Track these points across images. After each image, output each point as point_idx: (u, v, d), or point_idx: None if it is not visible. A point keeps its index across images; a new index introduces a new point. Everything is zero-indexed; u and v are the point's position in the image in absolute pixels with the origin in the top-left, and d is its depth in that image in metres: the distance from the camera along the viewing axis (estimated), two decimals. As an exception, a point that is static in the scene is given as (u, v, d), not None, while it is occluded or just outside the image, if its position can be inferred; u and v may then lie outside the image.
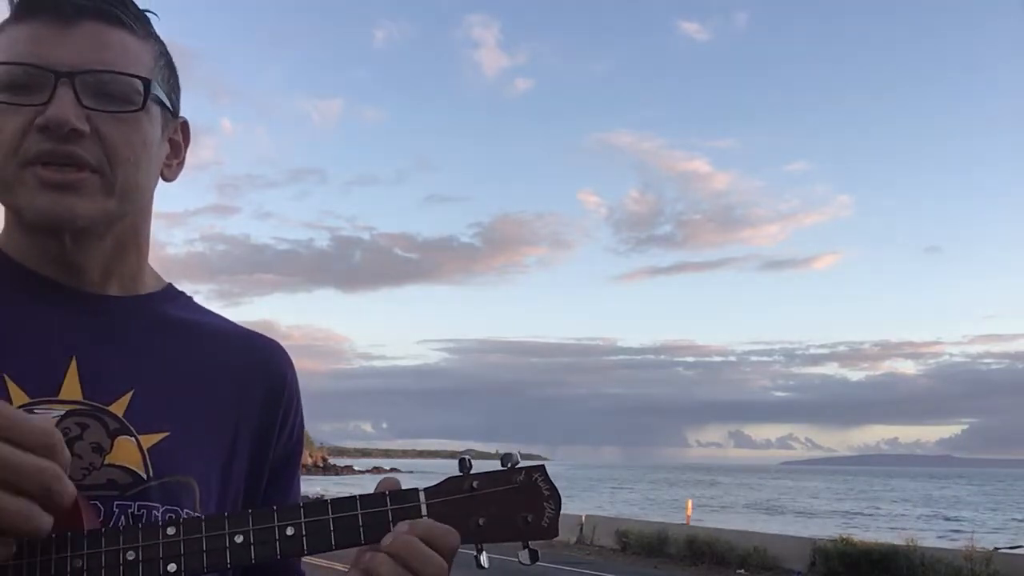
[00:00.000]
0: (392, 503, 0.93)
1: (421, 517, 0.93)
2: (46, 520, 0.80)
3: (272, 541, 0.90)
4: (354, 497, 0.93)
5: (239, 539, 0.89)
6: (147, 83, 1.01)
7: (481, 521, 0.95)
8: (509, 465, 0.98)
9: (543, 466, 0.99)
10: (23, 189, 0.97)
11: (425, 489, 0.96)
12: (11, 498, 0.77)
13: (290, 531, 0.90)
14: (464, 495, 0.96)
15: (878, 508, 65.37)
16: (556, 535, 0.96)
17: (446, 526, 0.92)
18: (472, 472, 0.97)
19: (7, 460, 0.77)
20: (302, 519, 0.91)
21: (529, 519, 0.96)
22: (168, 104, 1.07)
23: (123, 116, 0.99)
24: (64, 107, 0.95)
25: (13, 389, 0.95)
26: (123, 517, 0.96)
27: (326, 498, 0.93)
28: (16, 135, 0.96)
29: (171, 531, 0.88)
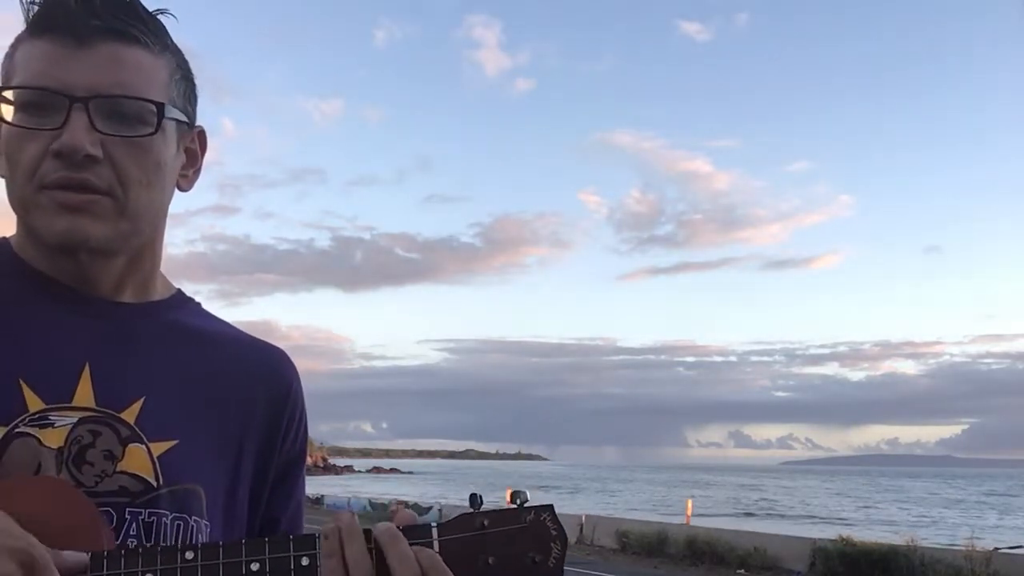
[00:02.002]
0: (405, 538, 0.94)
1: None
2: None
3: (287, 570, 0.91)
4: (369, 530, 0.94)
5: (255, 566, 0.90)
6: (160, 107, 1.01)
7: (491, 560, 0.96)
8: (519, 503, 0.98)
9: (551, 506, 0.99)
10: (40, 211, 0.98)
11: (438, 525, 0.97)
12: None
13: (305, 561, 0.92)
14: (475, 533, 0.96)
15: (878, 508, 65.32)
16: (561, 575, 0.97)
17: (441, 565, 0.93)
18: (483, 510, 0.98)
19: None
20: (317, 549, 0.92)
21: (536, 559, 0.96)
22: (184, 118, 1.07)
23: (136, 140, 1.00)
24: (78, 134, 0.95)
25: (29, 395, 0.96)
26: (134, 524, 0.97)
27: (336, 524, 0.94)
28: (34, 159, 0.97)
29: (189, 555, 0.89)
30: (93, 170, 0.97)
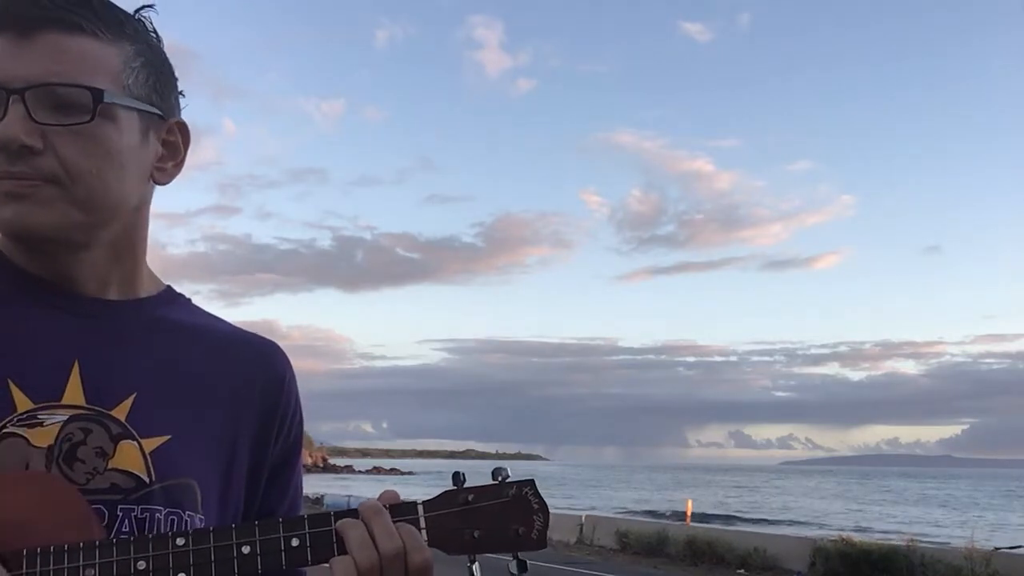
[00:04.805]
0: (392, 515, 0.96)
1: (420, 529, 0.97)
2: None
3: (278, 551, 0.93)
4: (355, 509, 0.96)
5: (246, 550, 0.92)
6: (97, 93, 0.97)
7: (476, 534, 0.99)
8: (500, 479, 1.01)
9: (532, 480, 1.02)
10: None
11: (423, 502, 0.99)
12: None
13: (295, 542, 0.93)
14: (460, 508, 0.99)
15: (877, 508, 65.34)
16: (545, 547, 1.00)
17: (421, 542, 0.96)
18: (466, 486, 1.00)
19: None
20: (306, 530, 0.94)
21: (520, 532, 0.99)
22: (148, 107, 1.04)
23: (79, 128, 0.97)
24: (11, 125, 0.95)
25: (17, 394, 0.96)
26: (127, 521, 0.97)
27: (330, 510, 0.96)
28: None
29: (180, 541, 0.91)
30: (32, 161, 0.96)
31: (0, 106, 0.96)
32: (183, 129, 1.12)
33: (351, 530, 0.94)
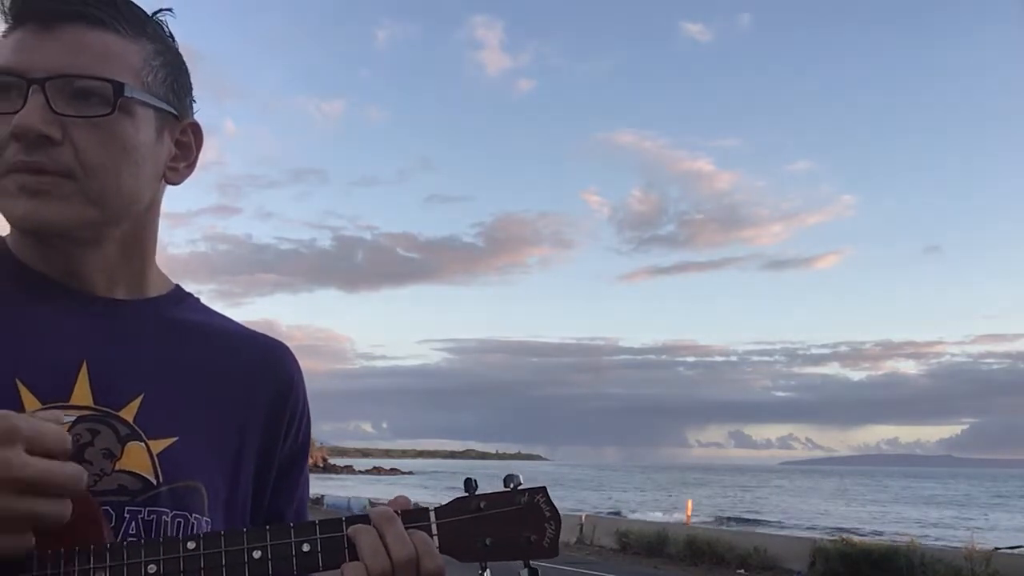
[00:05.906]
0: (404, 521, 0.96)
1: (431, 536, 0.97)
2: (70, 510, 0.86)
3: (289, 556, 0.92)
4: (366, 515, 0.96)
5: (257, 554, 0.91)
6: (118, 86, 0.98)
7: (488, 541, 0.98)
8: (512, 486, 1.01)
9: (544, 488, 1.02)
10: (5, 196, 0.98)
11: (436, 508, 0.99)
12: (53, 503, 0.83)
13: (306, 547, 0.93)
14: (472, 515, 0.99)
15: (877, 508, 65.30)
16: (557, 555, 0.99)
17: (433, 549, 0.95)
18: (478, 493, 1.00)
19: (50, 474, 0.82)
20: (318, 535, 0.94)
21: (532, 539, 0.99)
22: (165, 105, 1.05)
23: (97, 121, 0.97)
24: (31, 114, 0.95)
25: (25, 394, 0.96)
26: (134, 523, 0.97)
27: (341, 516, 0.96)
28: (1, 144, 0.97)
29: (191, 545, 0.90)
30: (49, 152, 0.96)
31: (20, 96, 0.96)
32: (196, 131, 1.12)
33: (363, 536, 0.94)
